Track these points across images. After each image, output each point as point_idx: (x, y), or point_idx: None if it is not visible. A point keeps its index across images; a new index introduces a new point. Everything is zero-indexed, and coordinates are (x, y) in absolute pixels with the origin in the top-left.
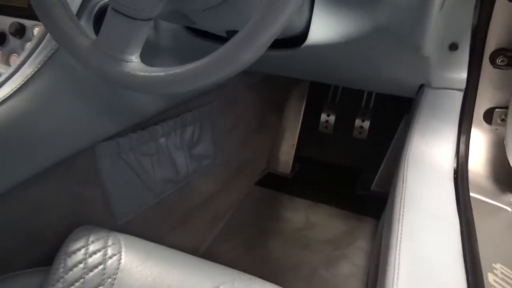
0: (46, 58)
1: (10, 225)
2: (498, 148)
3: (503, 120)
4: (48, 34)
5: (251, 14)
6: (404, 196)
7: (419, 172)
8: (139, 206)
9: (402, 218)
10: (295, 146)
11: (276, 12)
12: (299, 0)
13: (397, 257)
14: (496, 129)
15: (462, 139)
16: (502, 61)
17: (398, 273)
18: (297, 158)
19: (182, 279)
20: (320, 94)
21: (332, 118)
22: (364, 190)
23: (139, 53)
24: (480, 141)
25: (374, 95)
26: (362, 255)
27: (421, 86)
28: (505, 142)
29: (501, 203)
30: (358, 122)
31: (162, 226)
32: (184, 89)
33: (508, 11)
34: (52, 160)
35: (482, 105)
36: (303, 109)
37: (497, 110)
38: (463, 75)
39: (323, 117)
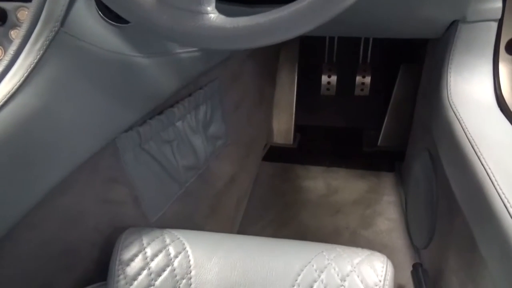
0: (48, 42)
1: (45, 244)
2: None
3: None
4: (44, 14)
5: None
6: (471, 135)
7: (471, 111)
8: (168, 199)
9: (481, 156)
10: (293, 115)
11: None
12: None
13: (501, 191)
14: None
15: (496, 72)
16: None
17: (509, 201)
18: (297, 127)
19: (267, 262)
20: (312, 57)
21: (333, 79)
22: (371, 147)
23: (215, 2)
24: (504, 72)
25: (370, 48)
26: (393, 209)
27: (453, 23)
28: None
29: None
30: (359, 79)
31: (194, 217)
32: (283, 37)
33: None
34: (76, 161)
35: (503, 36)
36: (296, 76)
37: None
38: (498, 3)
39: (324, 79)
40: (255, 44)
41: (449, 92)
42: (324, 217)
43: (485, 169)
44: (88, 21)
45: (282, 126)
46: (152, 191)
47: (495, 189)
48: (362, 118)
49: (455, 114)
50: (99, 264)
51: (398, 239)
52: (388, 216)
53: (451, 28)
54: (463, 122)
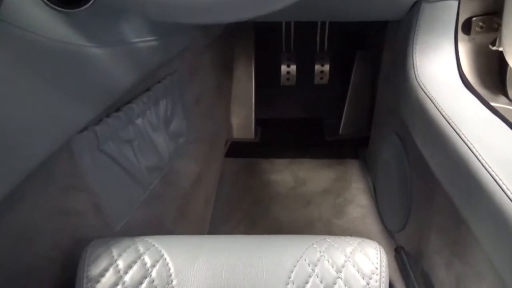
0: None
1: None
2: (479, 55)
3: (481, 27)
4: None
5: None
6: (445, 113)
7: (440, 90)
8: (132, 204)
9: (460, 132)
10: (253, 108)
11: None
12: None
13: (487, 165)
14: (473, 38)
15: (457, 51)
16: None
17: (497, 174)
18: (257, 120)
19: (256, 262)
20: (268, 48)
21: (293, 68)
22: (333, 135)
23: None
24: (463, 52)
25: (326, 36)
26: (363, 195)
27: (415, 4)
28: (502, 45)
29: (498, 104)
30: (318, 67)
31: (162, 222)
32: (276, 5)
33: None
34: (26, 169)
35: (460, 16)
36: (253, 68)
37: (474, 19)
38: None
39: (284, 69)
40: (242, 15)
41: (416, 73)
42: (296, 209)
43: (466, 144)
44: (29, 7)
45: (242, 120)
46: (114, 197)
47: (480, 163)
48: (323, 107)
49: (426, 94)
50: (62, 285)
51: (372, 225)
52: (359, 203)
53: (414, 8)
54: (435, 101)
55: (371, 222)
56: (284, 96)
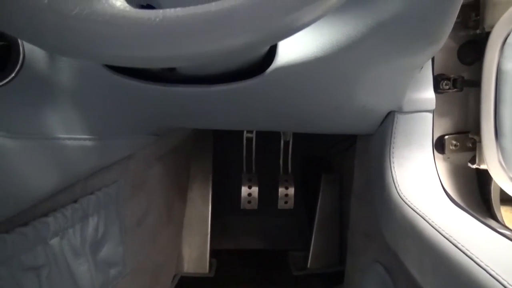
0: None
1: None
2: (458, 175)
3: (456, 146)
4: None
5: None
6: (446, 232)
7: (429, 208)
8: None
9: (468, 252)
10: (208, 237)
11: None
12: None
13: (490, 271)
14: (448, 158)
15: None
16: (447, 84)
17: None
18: (213, 251)
19: None
20: (228, 168)
21: (255, 190)
22: (300, 270)
23: None
24: (442, 168)
25: (290, 158)
26: None
27: (388, 115)
28: (485, 162)
29: None
30: (281, 190)
31: None
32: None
33: None
34: None
35: (434, 133)
36: (210, 190)
37: (447, 137)
38: (431, 94)
39: (245, 190)
40: (193, 48)
41: (398, 189)
42: None
43: (487, 272)
44: None
45: (195, 250)
46: None
47: (486, 269)
48: (288, 236)
49: (416, 212)
50: None
51: None
52: None
53: (387, 120)
54: (429, 219)
55: None
56: (245, 223)
